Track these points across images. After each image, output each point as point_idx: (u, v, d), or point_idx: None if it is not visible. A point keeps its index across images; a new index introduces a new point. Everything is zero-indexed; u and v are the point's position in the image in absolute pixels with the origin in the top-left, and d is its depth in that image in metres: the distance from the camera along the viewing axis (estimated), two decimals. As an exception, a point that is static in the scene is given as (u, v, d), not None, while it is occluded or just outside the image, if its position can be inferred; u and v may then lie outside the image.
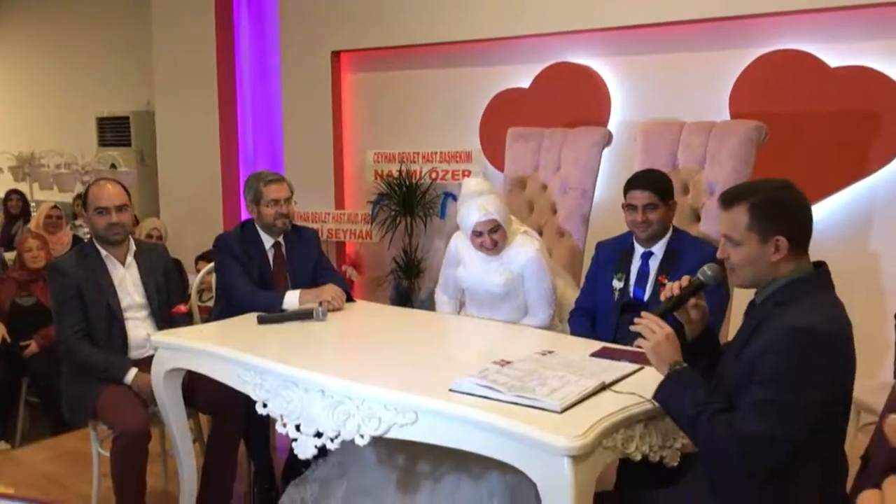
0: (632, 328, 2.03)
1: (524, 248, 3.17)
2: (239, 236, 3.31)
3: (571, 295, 3.32)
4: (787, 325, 1.77)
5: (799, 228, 1.88)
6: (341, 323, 3.06)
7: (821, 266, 1.93)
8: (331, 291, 3.14)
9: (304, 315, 2.97)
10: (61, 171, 5.81)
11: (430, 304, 5.14)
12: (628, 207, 2.96)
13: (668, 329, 1.97)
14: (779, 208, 1.88)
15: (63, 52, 8.65)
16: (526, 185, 3.95)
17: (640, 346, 2.06)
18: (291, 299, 3.12)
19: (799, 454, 1.77)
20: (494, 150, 4.93)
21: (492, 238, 3.12)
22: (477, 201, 3.11)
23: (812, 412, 1.73)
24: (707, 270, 2.08)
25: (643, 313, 2.03)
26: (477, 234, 3.12)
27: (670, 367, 1.94)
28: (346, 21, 5.66)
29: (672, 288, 2.09)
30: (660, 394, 1.94)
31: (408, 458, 2.73)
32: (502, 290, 3.17)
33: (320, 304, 3.04)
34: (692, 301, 2.08)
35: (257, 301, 3.11)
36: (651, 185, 2.92)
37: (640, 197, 2.91)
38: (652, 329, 1.97)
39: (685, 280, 2.09)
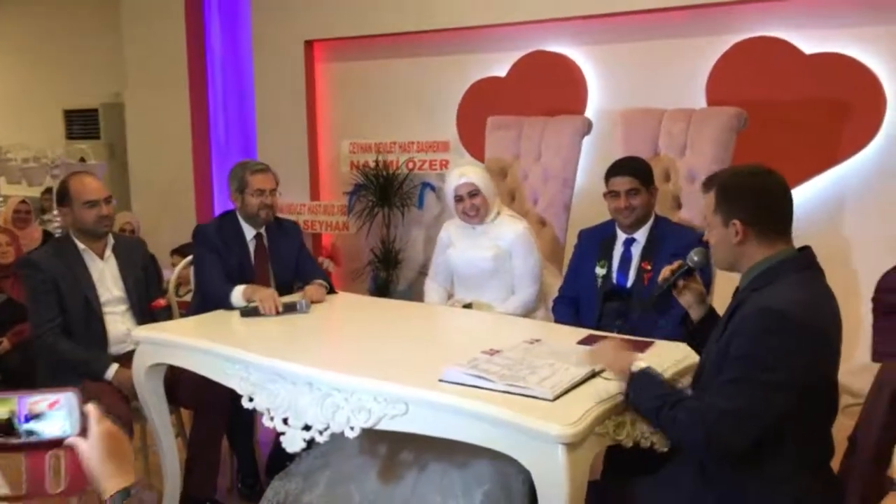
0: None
1: (512, 225, 3.29)
2: (218, 227, 3.26)
3: (554, 283, 3.33)
4: (756, 307, 1.80)
5: (759, 213, 1.88)
6: (325, 315, 3.03)
7: (804, 250, 1.93)
8: (267, 294, 2.95)
9: (287, 308, 2.93)
10: (30, 165, 5.69)
11: (409, 296, 5.13)
12: (610, 194, 2.98)
13: (610, 342, 2.01)
14: (738, 193, 1.91)
15: (28, 43, 8.46)
16: (506, 174, 3.94)
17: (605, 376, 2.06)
18: (238, 299, 3.00)
19: (782, 436, 1.78)
20: (472, 140, 4.92)
21: (472, 202, 3.25)
22: (458, 169, 3.33)
23: (779, 392, 1.73)
24: (694, 255, 2.16)
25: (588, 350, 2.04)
26: (458, 199, 3.28)
27: (630, 372, 1.94)
28: (319, 10, 5.60)
29: (663, 273, 2.16)
30: (628, 400, 1.95)
31: (392, 446, 2.72)
32: (491, 265, 3.25)
33: (303, 296, 3.02)
34: (682, 283, 2.15)
35: (214, 294, 3.06)
36: (632, 170, 2.95)
37: (622, 183, 2.93)
38: (600, 356, 2.00)
39: (675, 264, 2.16)
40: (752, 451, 1.80)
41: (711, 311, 2.23)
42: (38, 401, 1.14)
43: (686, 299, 2.20)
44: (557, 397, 1.95)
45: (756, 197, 1.90)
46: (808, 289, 1.83)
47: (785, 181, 1.95)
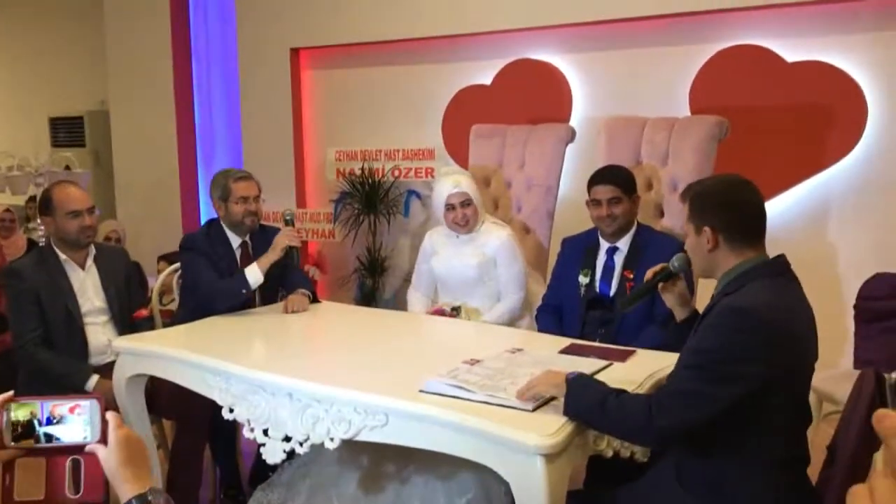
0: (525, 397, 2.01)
1: (496, 233, 3.29)
2: (205, 236, 3.25)
3: (538, 291, 3.33)
4: (719, 307, 1.85)
5: (730, 222, 1.93)
6: (308, 325, 3.02)
7: (778, 258, 1.96)
8: (297, 300, 3.16)
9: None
10: (14, 173, 5.65)
11: (395, 304, 5.13)
12: (593, 203, 2.99)
13: (535, 375, 2.01)
14: (709, 201, 1.97)
15: (14, 50, 8.42)
16: (490, 182, 3.95)
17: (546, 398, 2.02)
18: (254, 275, 3.08)
19: (748, 436, 1.80)
20: (457, 147, 4.92)
21: (464, 212, 3.23)
22: (451, 177, 3.29)
23: (732, 387, 1.75)
24: (675, 260, 2.22)
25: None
26: (450, 207, 3.25)
27: (565, 382, 1.93)
28: (304, 17, 5.60)
29: (647, 275, 2.26)
30: (568, 408, 1.90)
31: (375, 456, 2.71)
32: (476, 272, 3.24)
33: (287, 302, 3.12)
34: (661, 285, 2.23)
35: (221, 288, 3.07)
36: (614, 179, 2.96)
37: (604, 192, 2.94)
38: (532, 386, 1.98)
39: (658, 267, 2.24)
40: (725, 454, 1.82)
41: (695, 314, 2.25)
42: (60, 404, 1.17)
43: (669, 300, 2.27)
44: (537, 408, 1.95)
45: (727, 206, 1.96)
46: (776, 292, 1.85)
47: (758, 192, 1.99)
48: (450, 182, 3.27)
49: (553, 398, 1.96)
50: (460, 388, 2.04)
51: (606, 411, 1.84)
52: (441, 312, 3.22)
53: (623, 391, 1.90)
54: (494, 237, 3.28)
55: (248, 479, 3.24)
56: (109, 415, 1.18)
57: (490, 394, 2.00)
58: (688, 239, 2.04)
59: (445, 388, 2.06)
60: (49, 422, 1.16)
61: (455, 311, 3.23)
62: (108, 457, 1.16)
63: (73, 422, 1.17)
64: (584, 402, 1.88)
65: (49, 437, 1.16)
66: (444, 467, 2.55)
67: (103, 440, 1.17)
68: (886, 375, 1.75)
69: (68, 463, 1.17)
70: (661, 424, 1.79)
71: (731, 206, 1.96)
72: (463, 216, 3.24)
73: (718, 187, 2.01)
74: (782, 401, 1.82)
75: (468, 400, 2.00)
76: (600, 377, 2.18)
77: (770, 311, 1.79)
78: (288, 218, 3.24)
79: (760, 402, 1.78)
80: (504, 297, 3.29)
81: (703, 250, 1.97)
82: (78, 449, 1.17)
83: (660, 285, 2.25)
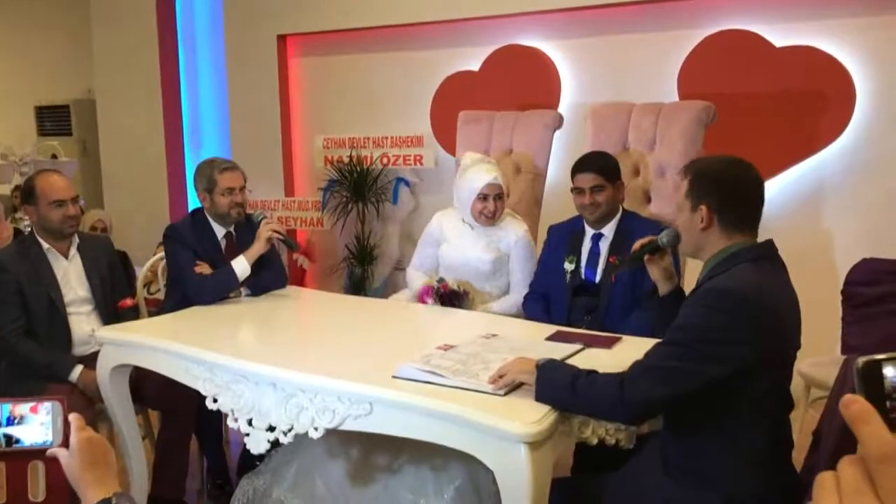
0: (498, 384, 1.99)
1: (514, 228, 3.23)
2: (190, 226, 3.21)
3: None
4: (703, 288, 1.86)
5: (727, 202, 1.91)
6: (293, 314, 3.01)
7: (764, 243, 1.95)
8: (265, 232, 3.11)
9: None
10: (-2, 162, 5.62)
11: (384, 292, 5.11)
12: (576, 191, 2.97)
13: (507, 361, 2.00)
14: (709, 179, 1.94)
15: (-2, 38, 8.35)
16: (477, 168, 3.92)
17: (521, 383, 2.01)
18: (242, 267, 3.06)
19: (726, 420, 1.80)
20: (446, 134, 4.89)
21: (496, 205, 3.15)
22: (485, 165, 3.19)
23: (709, 365, 1.74)
24: (664, 235, 2.20)
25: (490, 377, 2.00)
26: (482, 197, 3.14)
27: (535, 368, 1.92)
28: (291, 4, 5.55)
29: (635, 246, 2.26)
30: (539, 394, 1.89)
31: (362, 442, 2.69)
32: (490, 267, 3.19)
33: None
34: (647, 258, 2.23)
35: (209, 283, 3.04)
36: (596, 167, 2.94)
37: (586, 179, 2.93)
38: (503, 372, 1.97)
39: (647, 239, 2.23)
40: (708, 439, 1.83)
41: (678, 290, 2.26)
42: (21, 404, 1.14)
43: (654, 273, 2.26)
44: (508, 393, 1.94)
45: (727, 186, 1.93)
46: (762, 276, 1.84)
47: (760, 177, 1.96)
48: (485, 171, 3.16)
49: (523, 383, 1.95)
50: (433, 373, 2.04)
51: (577, 391, 1.82)
52: (429, 292, 3.15)
53: (593, 371, 1.88)
54: (512, 233, 3.21)
55: (237, 469, 3.23)
56: (72, 416, 1.15)
57: (462, 379, 2.00)
58: (680, 215, 2.00)
59: (418, 373, 2.05)
60: (10, 422, 1.13)
61: (455, 291, 3.13)
62: (70, 461, 1.12)
63: (34, 422, 1.14)
64: (555, 385, 1.86)
65: (9, 438, 1.13)
66: (435, 454, 2.54)
67: (66, 443, 1.13)
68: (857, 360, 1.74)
69: (30, 467, 1.14)
70: (633, 399, 1.77)
71: (732, 187, 1.92)
72: (494, 208, 3.15)
73: (721, 166, 1.97)
74: (765, 385, 1.81)
75: (441, 385, 1.99)
76: (576, 360, 2.20)
77: (755, 294, 1.77)
78: (258, 220, 3.19)
79: (742, 386, 1.77)
80: (514, 292, 3.23)
81: (695, 228, 1.94)
82: (40, 452, 1.14)
83: (646, 257, 2.24)
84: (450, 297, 3.08)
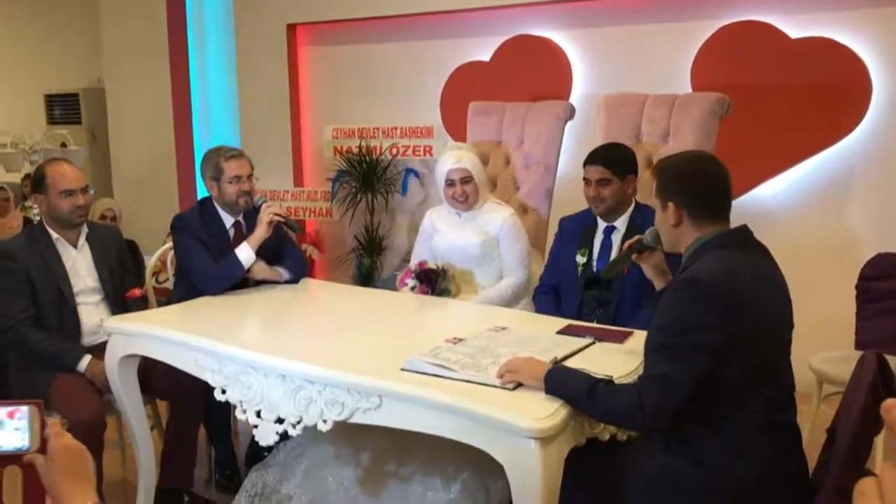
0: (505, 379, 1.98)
1: (499, 213, 3.26)
2: (198, 215, 3.19)
3: (538, 271, 3.30)
4: (674, 281, 1.92)
5: (692, 197, 1.95)
6: (302, 305, 2.99)
7: (737, 229, 1.97)
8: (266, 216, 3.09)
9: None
10: (8, 150, 5.61)
11: (393, 283, 5.08)
12: (585, 181, 2.95)
13: (510, 359, 2.00)
14: (673, 177, 2.00)
15: (7, 26, 8.33)
16: (488, 160, 3.90)
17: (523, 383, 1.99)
18: (246, 254, 3.03)
19: (724, 408, 1.80)
20: (456, 125, 4.86)
21: (463, 189, 3.20)
22: (453, 152, 3.26)
23: (698, 353, 1.77)
24: (647, 234, 2.24)
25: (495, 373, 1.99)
26: (449, 183, 3.22)
27: (545, 372, 1.91)
28: (301, -8, 5.52)
29: (623, 247, 2.33)
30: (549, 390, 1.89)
31: (374, 437, 2.68)
32: (479, 251, 3.21)
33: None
34: (635, 256, 2.28)
35: (214, 272, 3.02)
36: (605, 160, 2.90)
37: (593, 172, 2.90)
38: (509, 370, 1.95)
39: (633, 239, 2.29)
40: (706, 420, 1.84)
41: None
42: None
43: (647, 271, 2.31)
44: (517, 387, 1.92)
45: (690, 182, 1.98)
46: (729, 261, 1.87)
47: (724, 169, 2.01)
48: (451, 157, 3.23)
49: None
50: (441, 366, 2.02)
51: (597, 395, 1.83)
52: (408, 273, 3.15)
53: (611, 380, 1.89)
54: (497, 216, 3.24)
55: (245, 460, 3.23)
56: (50, 422, 1.10)
57: (471, 372, 1.98)
58: (657, 214, 2.06)
59: (427, 366, 2.04)
60: None
61: (433, 269, 3.14)
62: (47, 468, 1.07)
63: (10, 429, 1.09)
64: (571, 389, 1.87)
65: None
66: (441, 447, 2.52)
67: (43, 449, 1.09)
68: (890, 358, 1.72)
69: (5, 474, 1.09)
70: (653, 413, 1.78)
71: (693, 182, 1.98)
72: (462, 193, 3.19)
73: (683, 163, 2.04)
74: (749, 365, 1.81)
75: (449, 378, 1.98)
76: (588, 354, 2.22)
77: (721, 278, 1.82)
78: (258, 205, 3.16)
79: (721, 369, 1.79)
80: (507, 276, 3.25)
81: (668, 225, 2.01)
82: (16, 458, 1.09)
83: (634, 256, 2.29)
84: (427, 274, 3.14)
